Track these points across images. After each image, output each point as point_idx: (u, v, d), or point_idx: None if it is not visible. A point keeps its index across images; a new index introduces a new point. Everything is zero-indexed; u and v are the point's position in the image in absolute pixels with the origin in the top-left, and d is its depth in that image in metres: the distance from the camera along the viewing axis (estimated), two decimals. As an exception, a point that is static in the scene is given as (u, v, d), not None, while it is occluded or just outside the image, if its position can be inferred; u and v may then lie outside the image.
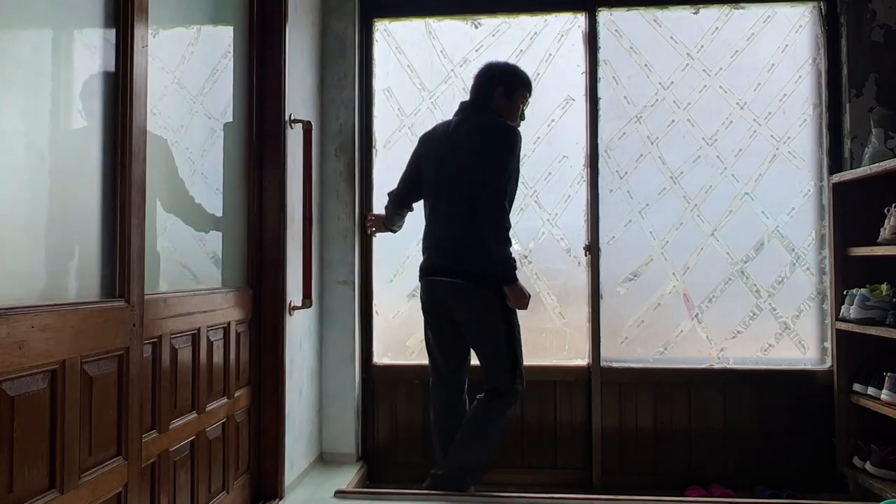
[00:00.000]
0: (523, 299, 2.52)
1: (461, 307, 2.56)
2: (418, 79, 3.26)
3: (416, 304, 3.05)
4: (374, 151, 3.26)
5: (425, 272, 2.65)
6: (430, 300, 2.64)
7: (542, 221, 3.17)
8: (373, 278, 3.23)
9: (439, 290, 2.59)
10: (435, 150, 2.66)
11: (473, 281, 2.51)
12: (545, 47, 3.21)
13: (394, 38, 3.27)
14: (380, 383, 3.21)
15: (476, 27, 3.24)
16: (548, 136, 3.19)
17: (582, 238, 3.13)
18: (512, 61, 3.06)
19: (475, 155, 2.54)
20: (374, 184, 3.25)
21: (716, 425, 3.02)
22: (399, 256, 3.23)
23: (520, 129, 2.65)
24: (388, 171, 3.20)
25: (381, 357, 3.24)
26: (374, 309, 3.23)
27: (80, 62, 1.49)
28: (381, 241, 3.22)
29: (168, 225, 1.95)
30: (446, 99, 3.23)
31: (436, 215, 2.63)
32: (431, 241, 2.64)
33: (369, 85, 3.25)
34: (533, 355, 3.10)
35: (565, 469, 3.08)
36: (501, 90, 2.64)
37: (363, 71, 3.24)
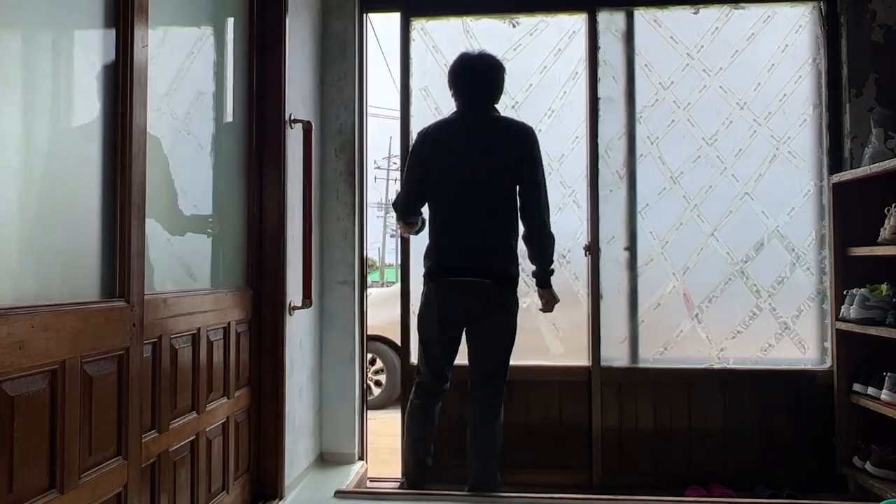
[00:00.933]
0: (555, 303, 2.71)
1: (481, 306, 2.55)
2: None
3: None
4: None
5: (447, 272, 2.58)
6: (452, 300, 2.58)
7: (580, 221, 3.15)
8: (410, 278, 3.17)
9: (461, 290, 2.56)
10: (449, 150, 2.61)
11: (498, 281, 2.54)
12: (583, 46, 3.18)
13: (431, 37, 3.25)
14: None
15: (514, 26, 3.22)
16: (587, 134, 3.16)
17: (620, 237, 3.13)
18: (550, 60, 3.16)
19: (504, 157, 2.56)
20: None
21: (716, 425, 3.03)
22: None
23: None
24: None
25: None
26: (412, 309, 3.17)
27: (80, 62, 1.49)
28: (417, 238, 3.11)
29: (168, 225, 1.95)
30: None
31: (457, 217, 2.58)
32: (453, 241, 2.59)
33: (406, 84, 3.23)
34: (570, 355, 3.15)
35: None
36: (503, 87, 2.70)
37: (358, 69, 3.24)
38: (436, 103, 3.24)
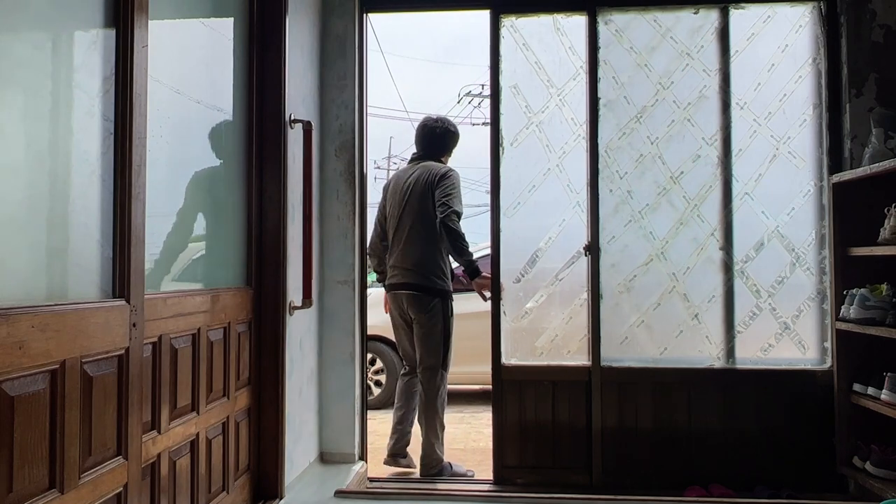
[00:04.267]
0: (487, 288, 3.22)
1: (412, 311, 3.25)
2: (546, 75, 3.21)
3: (545, 303, 3.19)
4: (500, 150, 3.18)
5: (391, 287, 3.35)
6: (395, 308, 3.36)
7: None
8: (500, 276, 3.15)
9: (399, 300, 3.31)
10: (393, 193, 3.36)
11: (422, 291, 3.22)
12: (679, 47, 3.14)
13: (520, 34, 3.22)
14: (508, 384, 3.13)
15: (606, 23, 3.18)
16: (680, 132, 3.13)
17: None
18: (642, 58, 3.16)
19: (423, 192, 3.23)
20: (501, 183, 3.17)
21: (716, 425, 3.02)
22: (526, 255, 3.18)
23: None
24: (515, 168, 3.19)
25: (508, 358, 3.16)
26: (502, 309, 3.16)
27: (80, 62, 1.49)
28: (508, 239, 3.17)
29: (168, 224, 1.95)
30: (575, 96, 3.18)
31: (395, 243, 3.32)
32: (393, 263, 3.31)
33: (496, 81, 3.19)
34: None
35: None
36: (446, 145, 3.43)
37: (358, 69, 3.24)
38: (525, 101, 3.21)
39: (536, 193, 3.19)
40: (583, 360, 3.12)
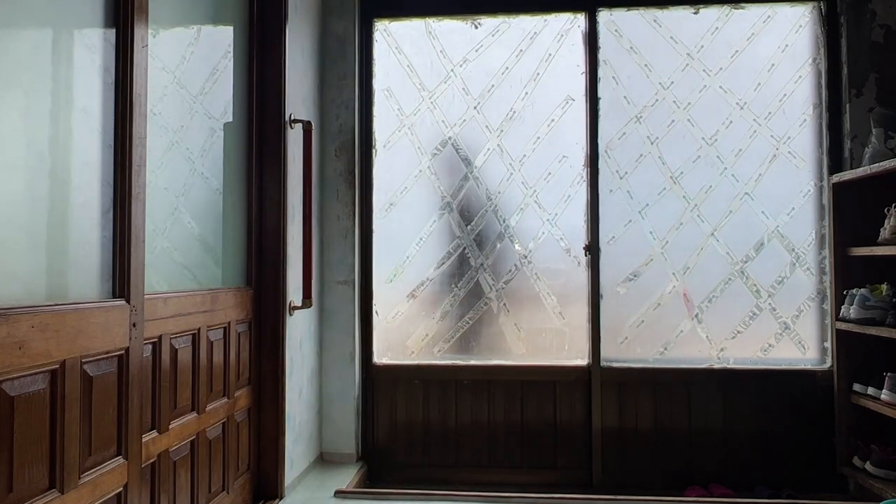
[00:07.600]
0: None
1: None
2: (418, 79, 3.27)
3: (416, 304, 3.18)
4: (373, 151, 3.26)
5: None
6: None
7: (541, 221, 3.17)
8: (372, 278, 3.23)
9: None
10: None
11: None
12: (545, 47, 3.22)
13: (393, 38, 3.28)
14: (380, 383, 3.21)
15: (476, 27, 3.25)
16: (548, 136, 3.19)
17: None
18: (511, 61, 3.21)
19: None
20: (374, 184, 3.25)
21: (716, 425, 3.02)
22: (399, 257, 3.24)
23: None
24: (387, 170, 3.26)
25: (380, 357, 3.24)
26: (374, 309, 3.23)
27: (80, 62, 1.49)
28: (380, 241, 3.24)
29: (168, 225, 1.95)
30: (446, 99, 3.24)
31: None
32: None
33: (369, 85, 3.26)
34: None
35: (565, 469, 3.08)
36: None
37: (363, 71, 3.25)
38: (398, 103, 3.26)
39: (408, 195, 3.25)
40: (582, 360, 3.12)
